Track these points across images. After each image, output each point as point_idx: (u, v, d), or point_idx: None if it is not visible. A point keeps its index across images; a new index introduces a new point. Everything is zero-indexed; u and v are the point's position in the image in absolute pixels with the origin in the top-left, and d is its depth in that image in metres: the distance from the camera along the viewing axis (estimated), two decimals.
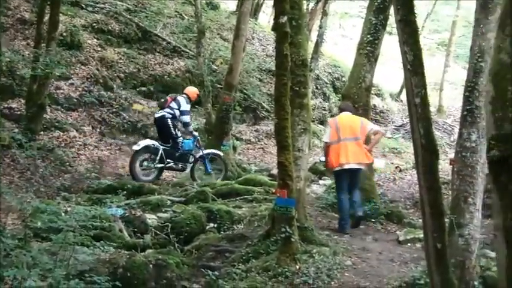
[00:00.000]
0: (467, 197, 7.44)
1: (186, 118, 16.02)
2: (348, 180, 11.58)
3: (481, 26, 7.54)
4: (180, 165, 15.99)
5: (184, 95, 16.31)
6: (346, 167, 11.39)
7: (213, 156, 16.41)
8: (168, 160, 15.64)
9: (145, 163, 15.39)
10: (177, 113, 15.84)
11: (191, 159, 16.11)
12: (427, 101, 5.46)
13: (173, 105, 15.90)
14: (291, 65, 8.82)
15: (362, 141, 11.59)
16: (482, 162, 7.24)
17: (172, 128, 15.76)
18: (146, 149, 15.32)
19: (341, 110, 12.26)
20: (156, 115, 16.12)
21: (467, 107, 7.60)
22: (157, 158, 15.40)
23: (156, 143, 15.52)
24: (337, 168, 11.44)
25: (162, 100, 16.68)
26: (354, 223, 11.66)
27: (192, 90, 16.79)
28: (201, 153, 16.16)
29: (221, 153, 16.33)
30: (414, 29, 5.57)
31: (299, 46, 9.80)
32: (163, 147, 15.53)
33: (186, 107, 15.98)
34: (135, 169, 15.06)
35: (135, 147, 15.37)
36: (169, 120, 15.73)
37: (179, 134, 16.01)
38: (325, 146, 11.81)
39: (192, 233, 10.91)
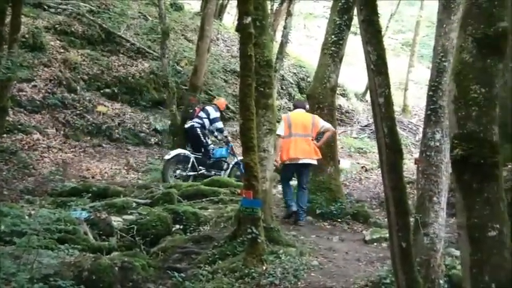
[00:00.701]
0: (432, 196, 7.48)
1: (219, 124, 16.88)
2: (296, 174, 12.10)
3: (444, 26, 7.60)
4: (213, 172, 16.56)
5: (213, 105, 17.07)
6: (295, 161, 11.70)
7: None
8: (200, 168, 16.36)
9: (178, 171, 15.92)
10: (206, 122, 16.64)
11: (225, 166, 16.78)
12: (391, 100, 5.47)
13: (202, 114, 16.70)
14: (255, 65, 8.80)
15: (313, 138, 11.97)
16: (447, 161, 7.29)
17: (202, 137, 16.64)
18: (177, 158, 15.92)
19: (295, 106, 12.61)
20: (186, 126, 16.85)
21: (431, 107, 7.64)
22: (189, 166, 16.06)
23: (187, 152, 16.17)
24: (286, 162, 11.76)
25: (191, 111, 17.30)
26: (289, 216, 12.07)
27: (221, 101, 17.68)
28: (236, 160, 16.63)
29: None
30: (377, 29, 5.57)
31: (263, 47, 9.77)
32: (195, 156, 16.26)
33: (215, 114, 16.77)
34: (168, 178, 15.52)
35: (166, 157, 16.00)
36: (198, 130, 16.55)
37: (209, 142, 16.85)
38: (277, 138, 11.94)
39: (158, 234, 10.84)
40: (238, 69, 8.65)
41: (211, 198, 13.36)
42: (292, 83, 27.66)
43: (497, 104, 4.55)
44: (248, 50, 8.47)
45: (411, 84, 32.02)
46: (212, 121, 16.65)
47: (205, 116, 16.65)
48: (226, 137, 17.02)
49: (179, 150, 16.15)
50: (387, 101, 5.36)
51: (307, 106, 12.57)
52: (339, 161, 13.72)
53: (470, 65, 4.49)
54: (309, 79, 26.72)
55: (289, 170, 11.97)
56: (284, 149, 11.73)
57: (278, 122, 11.68)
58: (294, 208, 11.84)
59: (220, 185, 14.61)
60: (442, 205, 7.51)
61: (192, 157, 16.12)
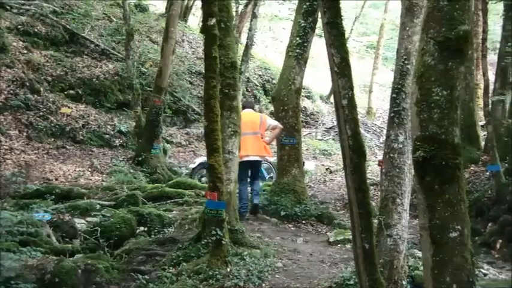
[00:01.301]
0: (395, 197, 7.55)
1: None
2: (249, 171, 12.49)
3: (407, 29, 7.68)
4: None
5: None
6: (246, 159, 11.90)
7: (267, 164, 16.89)
8: None
9: (203, 179, 16.04)
10: None
11: None
12: (354, 102, 5.51)
13: None
14: (220, 67, 8.80)
15: (261, 135, 12.45)
16: (410, 163, 7.35)
17: None
18: (201, 165, 16.13)
19: (243, 107, 12.61)
20: None
21: (395, 109, 7.71)
22: None
23: None
24: (239, 160, 11.78)
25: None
26: (253, 210, 12.42)
27: None
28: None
29: (271, 159, 16.55)
30: (340, 31, 5.61)
31: (228, 48, 9.78)
32: None
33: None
34: None
35: (191, 166, 16.71)
36: None
37: None
38: None
39: (122, 237, 10.77)
40: (203, 71, 8.63)
41: (176, 200, 13.34)
42: (257, 85, 27.79)
43: (459, 106, 4.60)
44: (213, 52, 8.46)
45: (375, 87, 32.36)
46: None
47: None
48: None
49: (202, 158, 16.41)
50: (351, 103, 5.40)
51: (256, 106, 12.87)
52: (303, 162, 13.82)
53: (432, 68, 4.54)
54: (274, 81, 26.85)
55: (243, 170, 11.97)
56: None
57: None
58: (256, 201, 12.43)
59: (185, 187, 14.57)
60: (405, 207, 7.58)
61: None
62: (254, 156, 12.26)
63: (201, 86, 22.66)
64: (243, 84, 20.55)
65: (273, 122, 12.74)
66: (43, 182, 15.06)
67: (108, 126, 19.33)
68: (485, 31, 13.38)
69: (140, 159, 16.97)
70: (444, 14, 4.52)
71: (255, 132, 12.28)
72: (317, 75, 30.66)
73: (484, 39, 13.42)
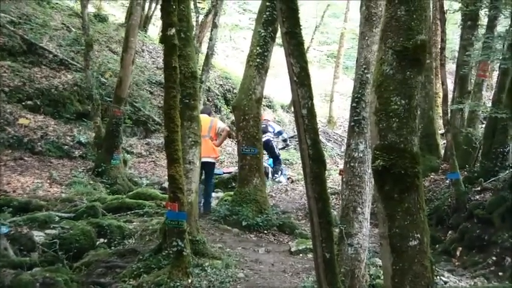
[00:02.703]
0: (356, 206, 7.57)
1: (285, 135, 21.05)
2: (204, 172, 13.40)
3: (366, 38, 7.73)
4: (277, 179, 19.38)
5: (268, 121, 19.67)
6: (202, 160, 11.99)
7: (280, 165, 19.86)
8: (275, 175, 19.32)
9: None
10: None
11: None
12: (314, 112, 5.52)
13: (270, 129, 19.46)
14: (180, 77, 8.75)
15: (212, 138, 13.51)
16: (370, 172, 7.38)
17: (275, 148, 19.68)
18: None
19: (201, 112, 12.97)
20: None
21: (355, 118, 7.75)
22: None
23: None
24: None
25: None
26: (206, 208, 13.57)
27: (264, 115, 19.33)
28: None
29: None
30: (299, 41, 5.62)
31: (188, 58, 9.77)
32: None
33: (278, 127, 20.54)
34: None
35: None
36: (272, 142, 19.44)
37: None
38: None
39: (82, 249, 10.63)
40: (164, 81, 8.59)
41: (137, 211, 13.21)
42: (218, 95, 27.68)
43: (417, 115, 4.62)
44: (173, 62, 8.41)
45: (336, 96, 32.58)
46: (278, 134, 20.07)
47: (272, 131, 19.57)
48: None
49: None
50: (310, 113, 5.41)
51: (217, 116, 13.32)
52: (265, 172, 13.94)
53: (390, 77, 4.58)
54: (235, 90, 26.85)
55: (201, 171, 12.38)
56: None
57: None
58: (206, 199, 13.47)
59: (146, 197, 14.47)
60: (366, 215, 7.61)
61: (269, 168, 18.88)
62: (207, 158, 13.00)
63: (161, 96, 22.53)
64: (204, 93, 20.61)
65: (222, 125, 13.87)
66: (0, 194, 14.84)
67: (68, 137, 19.10)
68: (443, 40, 13.50)
69: (100, 170, 16.81)
70: (402, 23, 4.55)
71: (206, 136, 12.99)
72: (278, 85, 30.70)
73: (443, 49, 13.55)
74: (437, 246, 12.29)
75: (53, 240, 10.65)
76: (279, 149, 20.38)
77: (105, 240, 11.16)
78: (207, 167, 13.47)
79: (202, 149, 11.83)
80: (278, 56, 19.14)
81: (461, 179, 13.00)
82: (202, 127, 11.98)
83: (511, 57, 13.08)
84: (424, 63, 4.68)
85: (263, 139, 17.46)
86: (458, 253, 11.86)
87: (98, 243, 11.06)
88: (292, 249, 11.15)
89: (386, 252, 4.49)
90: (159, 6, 15.16)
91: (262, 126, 18.12)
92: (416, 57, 4.56)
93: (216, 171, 15.96)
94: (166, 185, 14.41)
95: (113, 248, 10.72)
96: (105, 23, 27.57)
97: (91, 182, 16.07)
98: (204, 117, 12.78)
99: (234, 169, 18.61)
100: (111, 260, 9.87)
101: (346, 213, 7.63)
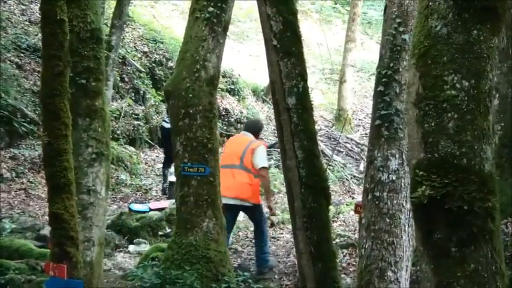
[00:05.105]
0: (384, 269, 5.09)
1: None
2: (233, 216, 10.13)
3: None
4: None
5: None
6: (224, 201, 9.51)
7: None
8: None
9: None
10: None
11: None
12: (309, 101, 3.64)
13: None
14: (71, 39, 5.85)
15: (247, 169, 10.09)
16: (409, 208, 5.08)
17: None
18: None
19: (244, 129, 10.41)
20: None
21: (382, 112, 5.12)
22: None
23: None
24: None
25: None
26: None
27: None
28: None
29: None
30: None
31: (86, 5, 6.57)
32: None
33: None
34: None
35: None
36: None
37: None
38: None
39: None
40: (41, 46, 5.31)
41: None
42: (141, 71, 18.61)
43: (493, 108, 3.18)
44: (57, 12, 5.46)
45: (350, 72, 21.30)
46: None
47: None
48: None
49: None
50: (301, 103, 3.40)
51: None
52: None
53: (444, 40, 3.09)
54: (170, 63, 18.71)
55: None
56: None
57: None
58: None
59: (10, 254, 9.45)
60: (402, 284, 5.24)
61: None
62: (232, 199, 9.25)
63: (37, 72, 15.37)
64: (115, 68, 14.89)
65: (260, 156, 9.57)
66: None
67: None
68: None
69: None
70: None
71: (235, 165, 9.36)
72: (247, 55, 22.74)
73: None
74: None
75: None
76: None
77: None
78: (236, 211, 9.68)
79: (227, 184, 8.94)
80: (247, 4, 15.24)
81: None
82: (229, 149, 9.63)
83: None
84: (503, 16, 3.07)
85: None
86: None
87: None
88: None
89: None
90: None
91: None
92: (488, 5, 2.98)
93: (135, 206, 11.96)
94: (46, 231, 10.20)
95: None
96: None
97: None
98: (241, 137, 9.93)
99: (168, 203, 12.52)
100: None
101: (368, 282, 5.21)
